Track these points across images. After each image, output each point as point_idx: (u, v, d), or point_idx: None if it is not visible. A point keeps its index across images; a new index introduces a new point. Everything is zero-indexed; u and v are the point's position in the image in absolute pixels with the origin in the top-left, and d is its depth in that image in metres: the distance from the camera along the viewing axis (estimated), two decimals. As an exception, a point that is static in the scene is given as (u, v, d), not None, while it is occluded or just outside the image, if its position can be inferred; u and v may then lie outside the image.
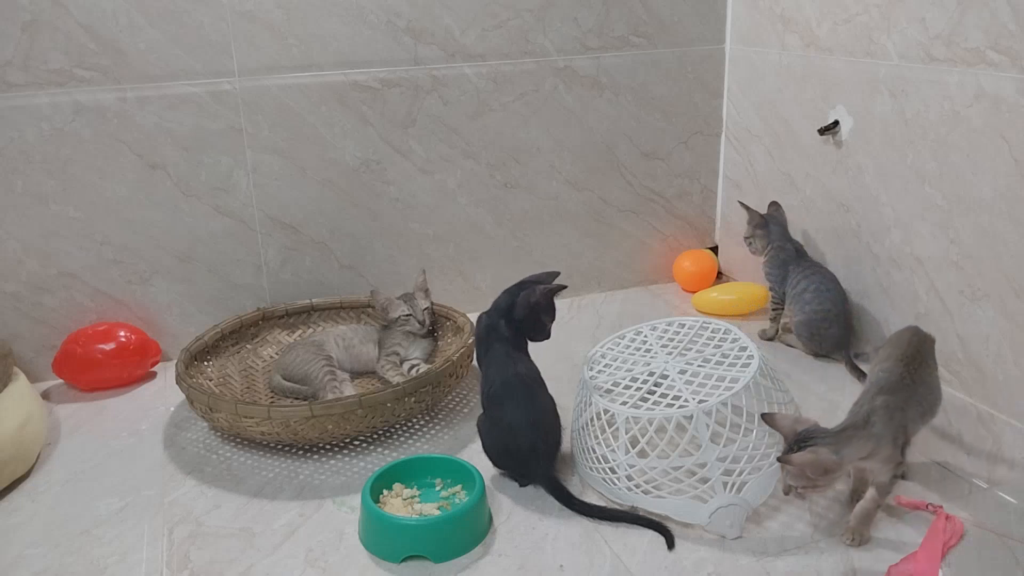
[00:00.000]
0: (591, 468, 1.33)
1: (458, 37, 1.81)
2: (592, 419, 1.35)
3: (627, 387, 1.37)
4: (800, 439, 1.14)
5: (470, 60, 1.84)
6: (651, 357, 1.43)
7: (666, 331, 1.51)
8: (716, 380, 1.32)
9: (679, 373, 1.36)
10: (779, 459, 1.14)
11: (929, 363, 1.28)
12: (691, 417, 1.23)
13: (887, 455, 1.16)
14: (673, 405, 1.28)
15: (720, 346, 1.43)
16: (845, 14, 1.65)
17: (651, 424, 1.25)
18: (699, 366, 1.37)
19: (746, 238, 1.80)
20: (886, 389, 1.20)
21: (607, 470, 1.29)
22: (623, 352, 1.47)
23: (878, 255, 1.67)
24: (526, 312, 1.35)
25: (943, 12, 1.44)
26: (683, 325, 1.52)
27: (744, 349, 1.39)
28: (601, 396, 1.34)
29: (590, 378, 1.39)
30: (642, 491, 1.26)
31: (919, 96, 1.52)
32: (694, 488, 1.22)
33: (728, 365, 1.35)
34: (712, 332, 1.47)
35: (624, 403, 1.31)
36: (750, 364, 1.33)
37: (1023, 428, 1.42)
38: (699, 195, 2.13)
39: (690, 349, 1.45)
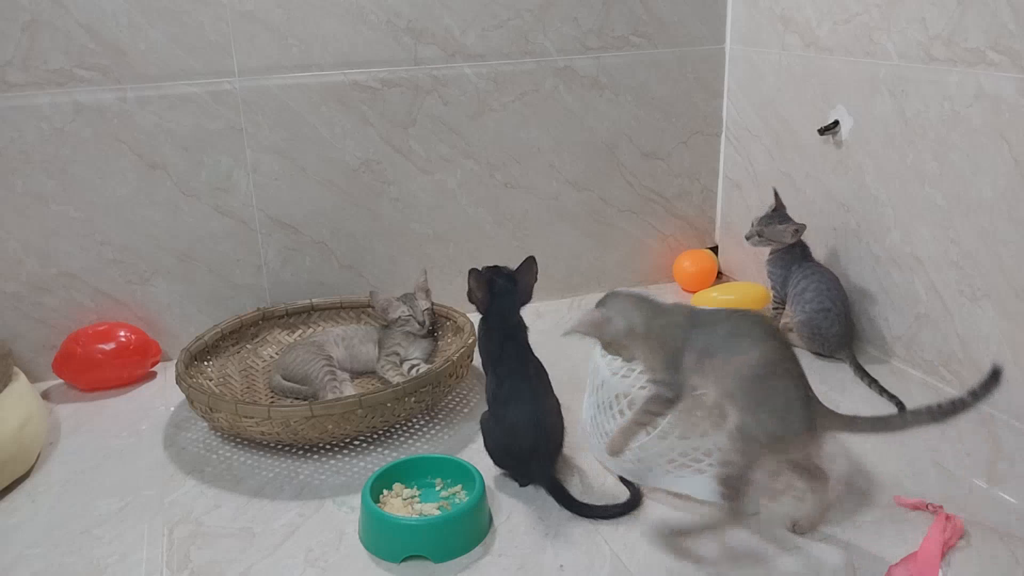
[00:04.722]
0: None
1: (458, 37, 1.81)
2: (611, 402, 1.36)
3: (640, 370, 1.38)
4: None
5: (470, 60, 1.84)
6: None
7: None
8: None
9: None
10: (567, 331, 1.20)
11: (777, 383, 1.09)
12: None
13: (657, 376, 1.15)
14: None
15: None
16: (845, 14, 1.65)
17: None
18: None
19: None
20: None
21: (627, 455, 1.30)
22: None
23: (878, 255, 1.67)
24: (531, 279, 1.39)
25: (943, 12, 1.44)
26: None
27: None
28: (621, 379, 1.36)
29: (607, 363, 1.39)
30: (662, 471, 1.28)
31: (919, 96, 1.52)
32: (712, 467, 1.23)
33: None
34: None
35: (642, 387, 1.32)
36: None
37: (1023, 428, 1.42)
38: (699, 195, 2.13)
39: None
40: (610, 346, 1.21)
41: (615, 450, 1.22)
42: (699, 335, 1.12)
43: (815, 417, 1.08)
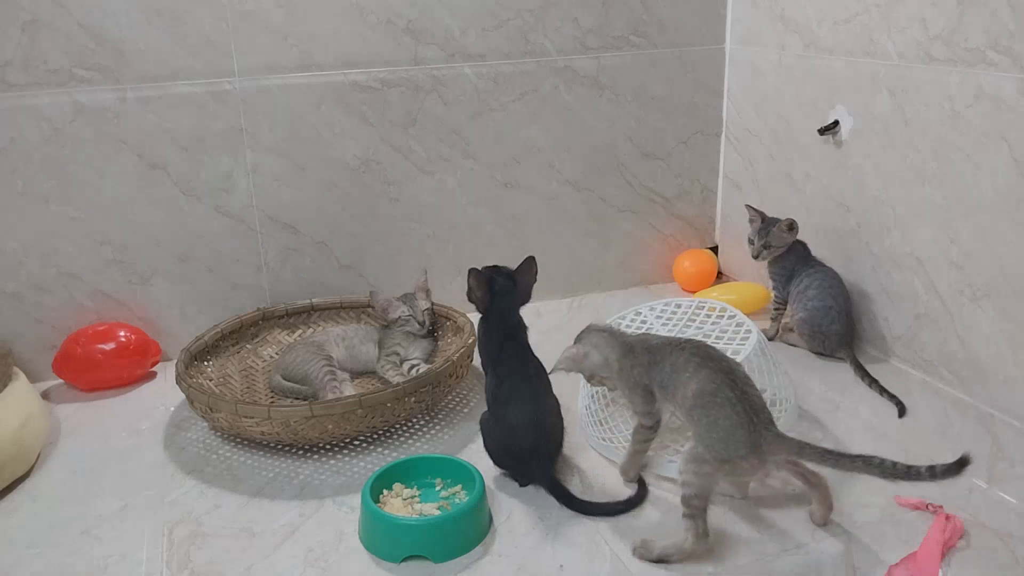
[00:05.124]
0: (603, 439, 1.38)
1: (458, 37, 1.81)
2: (602, 392, 1.41)
3: None
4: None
5: (470, 60, 1.84)
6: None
7: (664, 311, 1.58)
8: None
9: None
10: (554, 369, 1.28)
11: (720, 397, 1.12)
12: None
13: (625, 390, 1.25)
14: None
15: (717, 323, 1.51)
16: (845, 14, 1.65)
17: None
18: None
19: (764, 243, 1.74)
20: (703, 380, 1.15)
21: (621, 440, 1.35)
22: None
23: (878, 255, 1.67)
24: (531, 279, 1.39)
25: (943, 12, 1.44)
26: (679, 305, 1.60)
27: (741, 325, 1.46)
28: None
29: None
30: (659, 459, 1.33)
31: (919, 96, 1.52)
32: None
33: (727, 340, 1.42)
34: (708, 311, 1.56)
35: None
36: (748, 338, 1.40)
37: (1023, 428, 1.42)
38: (699, 195, 2.13)
39: (689, 327, 1.53)
40: (592, 379, 1.28)
41: (629, 478, 1.31)
42: (656, 372, 1.21)
43: (761, 440, 1.11)
